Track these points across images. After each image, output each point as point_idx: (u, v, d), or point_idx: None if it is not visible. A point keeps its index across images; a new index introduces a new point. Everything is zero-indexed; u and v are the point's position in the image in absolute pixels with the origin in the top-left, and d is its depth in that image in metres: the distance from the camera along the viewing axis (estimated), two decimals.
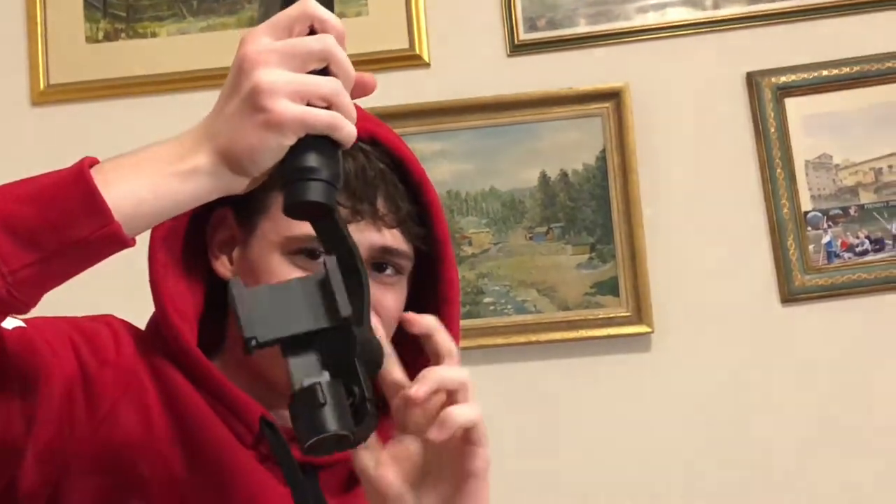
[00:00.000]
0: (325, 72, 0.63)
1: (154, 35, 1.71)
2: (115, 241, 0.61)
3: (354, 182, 0.76)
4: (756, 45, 1.62)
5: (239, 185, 0.64)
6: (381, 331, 0.72)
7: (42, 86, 1.70)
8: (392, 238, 0.78)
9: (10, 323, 0.74)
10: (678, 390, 1.58)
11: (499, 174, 1.63)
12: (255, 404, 0.77)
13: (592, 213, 1.60)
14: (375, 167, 0.78)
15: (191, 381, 0.80)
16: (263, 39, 0.63)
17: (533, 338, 1.57)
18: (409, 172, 0.81)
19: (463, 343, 0.84)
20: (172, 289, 0.83)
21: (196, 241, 0.84)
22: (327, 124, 0.62)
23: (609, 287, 1.57)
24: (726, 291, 1.58)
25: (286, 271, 0.75)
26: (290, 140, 0.61)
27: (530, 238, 1.61)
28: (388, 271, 0.80)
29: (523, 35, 1.64)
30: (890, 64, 1.58)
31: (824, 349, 1.56)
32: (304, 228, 0.70)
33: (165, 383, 0.80)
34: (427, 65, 1.65)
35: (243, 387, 0.79)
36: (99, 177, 0.61)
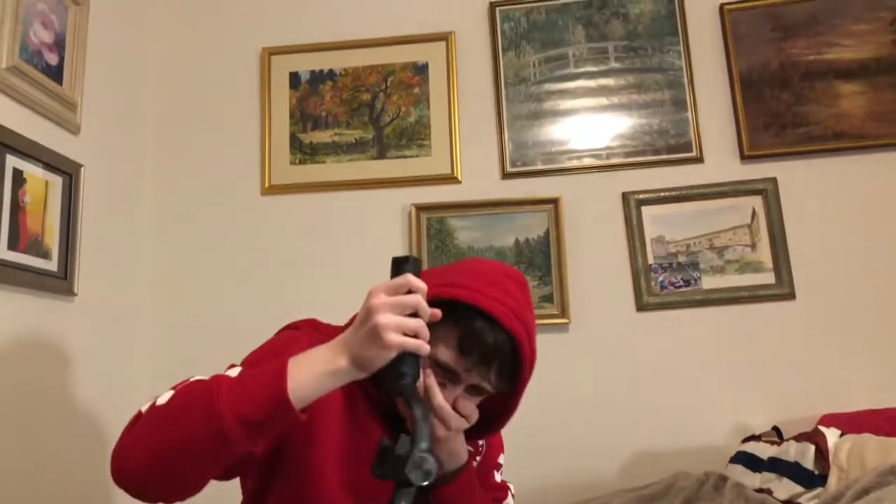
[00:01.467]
0: (415, 313, 0.79)
1: (323, 162, 2.16)
2: (295, 422, 0.78)
3: (486, 341, 0.91)
4: (628, 178, 2.13)
5: (360, 376, 0.81)
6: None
7: (267, 185, 2.17)
8: (487, 386, 0.96)
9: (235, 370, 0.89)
10: (582, 355, 2.04)
11: (494, 239, 2.05)
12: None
13: (541, 260, 2.03)
14: (496, 343, 0.93)
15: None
16: (382, 295, 0.79)
17: None
18: (519, 352, 0.95)
19: None
20: None
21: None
22: (415, 347, 0.79)
23: (548, 298, 2.02)
24: (609, 304, 2.06)
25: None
26: (393, 354, 0.78)
27: None
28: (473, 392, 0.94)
29: (509, 168, 2.14)
30: (693, 191, 2.07)
31: (658, 336, 2.04)
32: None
33: None
34: (459, 182, 2.14)
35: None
36: (290, 381, 0.76)
